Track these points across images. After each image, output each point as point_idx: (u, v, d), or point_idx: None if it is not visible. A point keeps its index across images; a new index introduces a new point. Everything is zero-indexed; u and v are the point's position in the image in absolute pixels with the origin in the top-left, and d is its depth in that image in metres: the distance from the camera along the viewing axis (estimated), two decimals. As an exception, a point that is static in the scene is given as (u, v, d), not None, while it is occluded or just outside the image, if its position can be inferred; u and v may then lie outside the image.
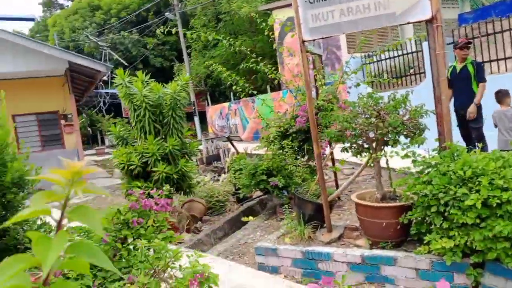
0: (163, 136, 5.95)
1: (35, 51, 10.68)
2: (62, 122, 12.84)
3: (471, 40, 5.96)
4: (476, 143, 5.58)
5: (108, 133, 6.57)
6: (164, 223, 2.99)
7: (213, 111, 22.62)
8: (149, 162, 5.76)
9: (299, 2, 3.64)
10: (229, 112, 20.53)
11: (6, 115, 5.51)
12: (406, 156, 3.38)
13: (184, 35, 25.80)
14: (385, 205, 3.53)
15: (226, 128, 20.60)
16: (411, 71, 10.21)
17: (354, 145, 3.81)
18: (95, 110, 27.94)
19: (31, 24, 42.92)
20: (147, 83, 6.05)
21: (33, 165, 5.75)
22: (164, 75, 29.14)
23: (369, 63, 8.67)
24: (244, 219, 5.13)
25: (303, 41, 3.74)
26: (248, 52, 6.21)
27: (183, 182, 6.02)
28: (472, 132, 5.72)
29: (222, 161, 9.87)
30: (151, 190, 5.74)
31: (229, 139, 10.08)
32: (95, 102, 27.56)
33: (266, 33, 5.83)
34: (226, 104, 20.97)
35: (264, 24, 5.51)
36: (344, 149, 3.78)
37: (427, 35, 3.48)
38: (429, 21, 3.43)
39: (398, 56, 10.42)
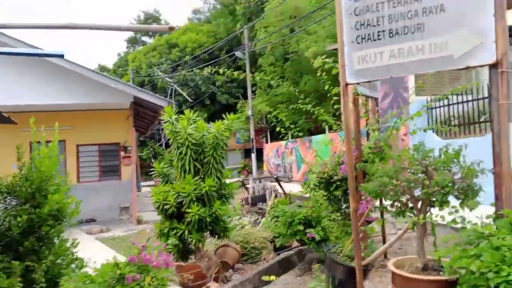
0: (202, 176, 5.74)
1: (103, 85, 11.28)
2: (122, 153, 13.31)
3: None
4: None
5: (152, 169, 6.51)
6: (164, 282, 2.66)
7: (270, 149, 22.46)
8: (184, 203, 5.55)
9: (345, 42, 3.30)
10: (285, 151, 20.23)
11: (57, 146, 5.65)
12: (454, 222, 2.80)
13: (251, 73, 26.37)
14: (425, 278, 2.95)
15: (281, 167, 20.25)
16: (483, 118, 9.24)
17: (397, 203, 3.28)
18: (159, 143, 29.14)
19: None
20: (194, 121, 5.96)
21: (74, 198, 5.78)
22: (229, 112, 29.78)
23: (431, 108, 7.96)
24: (265, 278, 4.65)
25: (347, 84, 3.36)
26: (300, 94, 5.94)
27: (216, 225, 5.72)
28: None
29: (268, 203, 9.49)
30: (183, 232, 5.57)
31: (277, 180, 9.71)
32: (160, 135, 28.79)
33: (320, 74, 5.53)
34: (283, 143, 20.73)
35: (318, 65, 5.21)
36: (384, 208, 3.25)
37: (489, 82, 2.94)
38: (493, 66, 2.91)
39: (471, 101, 9.50)
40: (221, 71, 8.42)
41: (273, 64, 25.02)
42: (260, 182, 11.10)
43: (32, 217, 4.96)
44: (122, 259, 7.97)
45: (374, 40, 3.16)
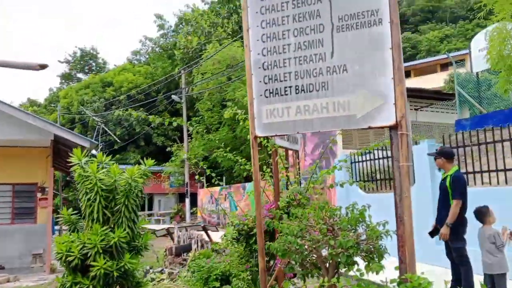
0: (112, 226, 5.31)
1: (21, 121, 10.51)
2: (39, 195, 12.29)
3: (446, 151, 5.43)
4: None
5: (58, 216, 5.96)
6: None
7: (204, 194, 22.05)
8: (89, 255, 5.06)
9: (254, 95, 3.27)
10: (219, 197, 19.93)
11: None
12: (359, 286, 2.71)
13: (188, 118, 26.30)
14: None
15: (215, 213, 19.85)
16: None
17: (305, 264, 3.16)
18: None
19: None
20: (107, 165, 5.58)
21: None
22: (164, 154, 29.11)
23: (354, 162, 8.24)
24: None
25: (255, 137, 3.30)
26: (222, 142, 5.84)
27: (125, 280, 5.25)
28: (453, 252, 5.03)
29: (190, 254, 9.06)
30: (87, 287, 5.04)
31: (204, 229, 9.37)
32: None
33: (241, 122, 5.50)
34: (217, 188, 20.47)
35: (228, 116, 5.18)
36: (290, 268, 3.12)
37: (390, 143, 3.01)
38: (393, 128, 2.99)
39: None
40: (155, 119, 8.04)
41: (210, 109, 25.18)
42: (187, 230, 10.65)
43: None
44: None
45: (281, 95, 3.17)
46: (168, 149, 27.78)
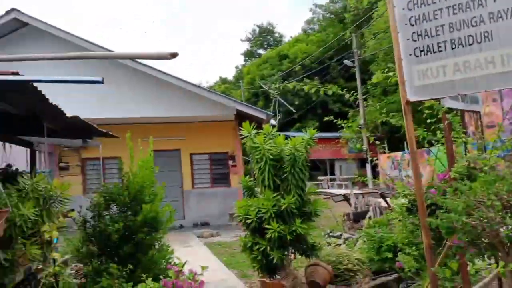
0: (282, 192, 5.69)
1: (208, 99, 12.03)
2: (230, 162, 13.97)
3: None
4: None
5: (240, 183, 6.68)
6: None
7: (384, 160, 21.26)
8: (263, 218, 5.56)
9: (402, 55, 2.96)
10: (401, 162, 18.94)
11: (152, 157, 6.16)
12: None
13: (363, 82, 25.52)
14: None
15: (399, 179, 19.00)
16: None
17: (479, 243, 2.79)
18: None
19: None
20: (274, 136, 5.96)
21: (168, 207, 6.22)
22: (342, 119, 29.11)
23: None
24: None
25: (408, 102, 3.01)
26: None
27: (299, 243, 5.59)
28: None
29: (363, 222, 8.95)
30: (265, 247, 5.56)
31: (382, 196, 9.12)
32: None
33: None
34: (399, 154, 19.46)
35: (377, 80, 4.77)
36: (458, 248, 2.79)
37: None
38: None
39: None
40: (329, 88, 8.03)
41: (387, 69, 23.81)
42: (363, 197, 10.54)
43: (129, 224, 5.47)
44: (218, 265, 8.19)
45: (434, 52, 2.74)
46: (346, 114, 27.67)
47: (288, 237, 5.42)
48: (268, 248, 5.49)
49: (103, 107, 11.14)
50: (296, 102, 31.18)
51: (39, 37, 11.76)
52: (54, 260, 5.21)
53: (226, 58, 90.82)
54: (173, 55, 3.07)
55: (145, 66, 11.42)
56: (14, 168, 6.18)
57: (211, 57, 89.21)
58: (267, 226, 5.48)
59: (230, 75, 55.42)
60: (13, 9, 11.41)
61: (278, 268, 5.73)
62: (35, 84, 3.25)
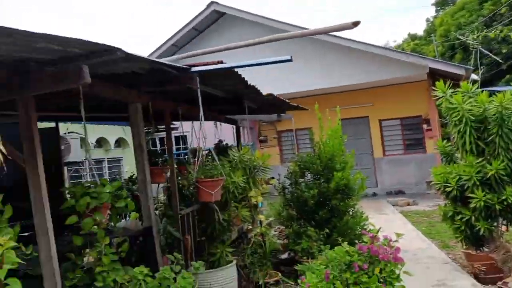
0: (488, 157, 5.07)
1: (396, 60, 11.32)
2: (424, 126, 13.01)
3: None
4: None
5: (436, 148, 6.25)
6: (393, 275, 2.68)
7: None
8: (466, 186, 5.09)
9: None
10: None
11: (340, 126, 6.35)
12: None
13: None
14: None
15: None
16: None
17: None
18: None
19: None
20: (475, 94, 5.32)
21: (359, 175, 6.34)
22: None
23: None
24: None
25: None
26: None
27: (510, 214, 4.94)
28: None
29: None
30: (469, 218, 5.10)
31: None
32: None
33: None
34: None
35: None
36: None
37: None
38: None
39: None
40: None
41: None
42: None
43: (323, 191, 5.81)
44: (416, 234, 7.98)
45: None
46: None
47: (497, 207, 4.86)
48: (473, 218, 5.03)
49: (293, 82, 11.78)
50: (504, 51, 26.41)
51: (232, 25, 13.12)
52: (261, 222, 5.97)
53: (415, 12, 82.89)
54: (355, 24, 3.05)
55: (336, 37, 11.43)
56: (224, 143, 7.24)
57: (398, 14, 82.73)
58: (470, 195, 5.01)
59: (420, 30, 50.57)
60: (212, 2, 12.95)
61: (485, 240, 5.23)
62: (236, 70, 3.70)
